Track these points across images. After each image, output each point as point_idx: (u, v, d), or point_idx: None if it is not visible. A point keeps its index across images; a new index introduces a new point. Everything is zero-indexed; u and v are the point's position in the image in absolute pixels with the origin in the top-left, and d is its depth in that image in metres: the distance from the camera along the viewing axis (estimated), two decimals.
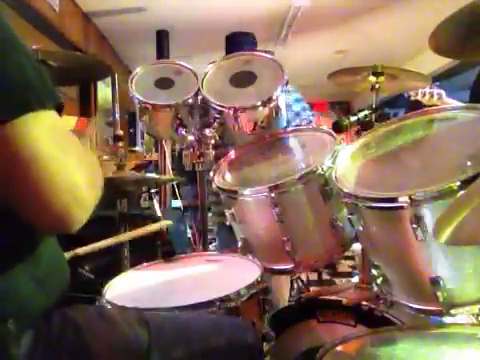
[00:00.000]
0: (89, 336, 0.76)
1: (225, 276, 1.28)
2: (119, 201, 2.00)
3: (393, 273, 1.09)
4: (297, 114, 2.35)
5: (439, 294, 0.97)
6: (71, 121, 2.41)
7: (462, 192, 0.88)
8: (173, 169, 3.98)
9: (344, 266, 3.75)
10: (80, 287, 1.14)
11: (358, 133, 1.46)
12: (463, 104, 1.58)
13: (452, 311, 1.00)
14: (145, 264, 1.41)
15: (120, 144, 1.86)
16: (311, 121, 2.29)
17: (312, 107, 2.53)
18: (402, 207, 0.96)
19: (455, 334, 1.04)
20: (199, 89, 1.67)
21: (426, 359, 0.96)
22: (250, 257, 1.31)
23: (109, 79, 4.18)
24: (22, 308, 0.71)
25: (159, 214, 1.72)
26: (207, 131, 1.66)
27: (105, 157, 2.12)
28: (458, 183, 0.89)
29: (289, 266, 1.36)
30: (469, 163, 0.93)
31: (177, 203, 3.80)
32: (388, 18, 4.83)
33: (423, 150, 1.14)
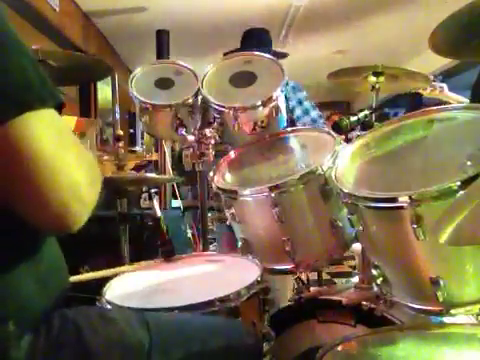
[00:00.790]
0: (90, 337, 0.75)
1: (225, 276, 1.28)
2: (119, 201, 2.00)
3: (393, 273, 1.09)
4: (314, 120, 2.40)
5: (439, 294, 0.97)
6: (71, 121, 2.41)
7: (462, 192, 0.88)
8: (173, 169, 3.98)
9: (344, 266, 3.75)
10: (80, 287, 1.14)
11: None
12: (463, 104, 1.59)
13: (452, 311, 1.00)
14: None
15: (120, 144, 1.86)
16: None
17: None
18: (402, 207, 0.96)
19: (455, 334, 1.04)
20: (199, 89, 1.67)
21: (426, 359, 0.96)
22: (250, 257, 1.31)
23: (109, 79, 4.18)
24: (23, 309, 0.71)
25: (159, 214, 1.71)
26: (207, 131, 1.66)
27: (105, 157, 2.11)
28: (458, 183, 0.89)
29: (289, 266, 1.36)
30: (469, 163, 0.93)
31: (177, 203, 3.79)
32: (388, 18, 4.84)
33: (423, 150, 1.14)
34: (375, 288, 1.23)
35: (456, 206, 0.72)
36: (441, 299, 0.97)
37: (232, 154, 1.59)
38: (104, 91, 4.96)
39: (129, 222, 2.01)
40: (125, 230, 1.97)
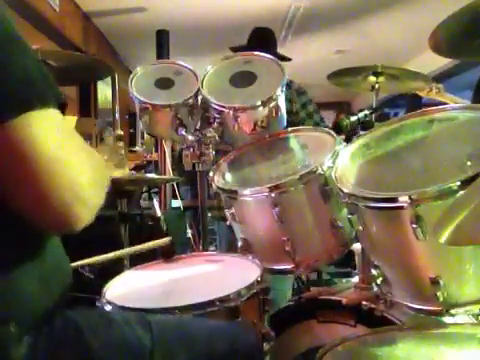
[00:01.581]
0: (91, 339, 0.75)
1: (225, 276, 1.28)
2: (119, 201, 2.00)
3: (393, 273, 1.09)
4: (316, 124, 2.42)
5: (439, 294, 0.97)
6: (71, 121, 2.41)
7: (462, 192, 0.88)
8: (173, 169, 3.98)
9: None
10: (80, 287, 1.14)
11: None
12: (463, 104, 1.59)
13: (452, 311, 1.00)
14: (145, 264, 1.41)
15: (120, 144, 1.86)
16: None
17: None
18: (402, 207, 0.96)
19: (455, 334, 1.04)
20: (199, 89, 1.67)
21: (426, 359, 0.96)
22: (250, 257, 1.31)
23: (109, 79, 4.18)
24: (24, 310, 0.71)
25: (159, 214, 1.71)
26: (207, 131, 1.66)
27: (105, 157, 2.11)
28: (458, 183, 0.89)
29: (289, 266, 1.36)
30: (469, 163, 0.93)
31: (177, 203, 3.79)
32: (388, 18, 4.84)
33: (423, 150, 1.14)
34: (375, 288, 1.23)
35: (456, 206, 0.72)
36: (441, 299, 0.97)
37: (232, 154, 1.59)
38: (104, 91, 4.96)
39: (129, 222, 2.01)
40: (125, 230, 1.97)
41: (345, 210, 1.17)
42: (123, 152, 1.77)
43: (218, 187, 1.42)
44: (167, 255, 1.42)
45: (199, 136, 1.68)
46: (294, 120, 2.37)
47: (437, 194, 0.92)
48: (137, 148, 4.81)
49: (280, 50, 2.66)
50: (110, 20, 4.74)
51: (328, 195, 1.29)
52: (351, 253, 1.45)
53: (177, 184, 3.76)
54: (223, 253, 1.60)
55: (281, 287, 2.03)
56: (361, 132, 1.50)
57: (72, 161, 0.65)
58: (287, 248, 1.31)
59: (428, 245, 0.96)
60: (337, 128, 1.51)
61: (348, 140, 1.43)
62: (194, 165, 1.73)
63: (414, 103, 5.34)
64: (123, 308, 1.05)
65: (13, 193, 0.63)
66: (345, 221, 1.23)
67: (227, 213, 1.41)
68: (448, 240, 0.67)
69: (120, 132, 1.93)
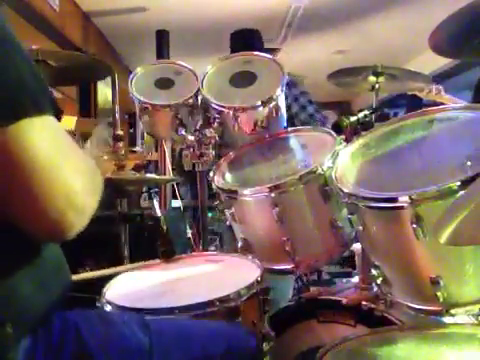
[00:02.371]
0: (90, 340, 0.75)
1: (225, 276, 1.28)
2: (119, 201, 2.00)
3: (393, 273, 1.09)
4: (311, 116, 2.37)
5: (439, 294, 0.97)
6: (71, 121, 2.41)
7: (462, 192, 0.88)
8: (173, 169, 3.98)
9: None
10: (80, 287, 1.14)
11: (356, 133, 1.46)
12: (463, 104, 1.58)
13: (452, 311, 1.00)
14: (145, 264, 1.41)
15: (120, 144, 1.86)
16: (325, 123, 2.30)
17: None
18: (402, 207, 0.96)
19: (455, 334, 1.04)
20: (199, 89, 1.67)
21: (426, 359, 0.96)
22: (250, 257, 1.31)
23: (109, 79, 4.17)
24: (22, 312, 0.71)
25: (159, 214, 1.71)
26: (207, 131, 1.66)
27: (105, 157, 2.11)
28: (458, 183, 0.89)
29: (289, 266, 1.36)
30: (469, 163, 0.93)
31: (177, 203, 3.79)
32: (388, 18, 4.84)
33: (423, 150, 1.14)
34: (375, 288, 1.23)
35: (456, 206, 0.72)
36: (441, 299, 0.97)
37: (232, 154, 1.59)
38: (104, 91, 4.96)
39: (129, 222, 2.01)
40: (125, 230, 1.97)
41: (345, 210, 1.17)
42: (123, 152, 1.77)
43: (218, 187, 1.42)
44: (167, 255, 1.42)
45: (199, 136, 1.68)
46: (289, 114, 2.35)
47: (437, 194, 0.92)
48: (137, 148, 4.80)
49: (280, 50, 2.65)
50: (110, 20, 4.74)
51: (328, 195, 1.29)
52: (351, 253, 1.46)
53: (177, 184, 3.75)
54: (223, 253, 1.60)
55: (281, 287, 2.03)
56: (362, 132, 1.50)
57: (66, 168, 0.64)
58: (287, 248, 1.31)
59: (428, 245, 0.96)
60: (337, 128, 1.51)
61: (348, 140, 1.43)
62: (194, 165, 1.73)
63: (414, 103, 5.33)
64: (123, 308, 1.05)
65: (5, 200, 0.62)
66: (345, 221, 1.23)
67: (227, 213, 1.41)
68: (448, 240, 0.67)
69: (120, 132, 1.93)
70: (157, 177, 2.76)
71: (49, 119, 0.64)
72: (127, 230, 1.98)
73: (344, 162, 1.19)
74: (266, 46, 2.66)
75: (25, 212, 0.63)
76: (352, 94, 8.29)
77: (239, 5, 4.45)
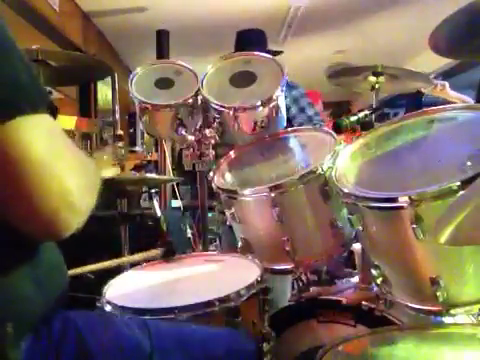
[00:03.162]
0: (91, 341, 0.75)
1: (225, 276, 1.28)
2: (119, 201, 2.00)
3: (393, 273, 1.09)
4: (309, 118, 2.36)
5: (439, 294, 0.97)
6: (71, 121, 2.41)
7: (462, 192, 0.88)
8: (173, 169, 3.98)
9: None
10: (80, 287, 1.14)
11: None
12: (463, 104, 1.58)
13: (452, 311, 1.00)
14: (145, 264, 1.41)
15: (120, 144, 1.86)
16: (322, 125, 2.29)
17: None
18: (402, 207, 0.96)
19: (455, 334, 1.04)
20: (199, 89, 1.67)
21: (426, 359, 0.96)
22: (250, 257, 1.31)
23: (109, 79, 4.17)
24: (21, 311, 0.71)
25: (159, 214, 1.71)
26: (207, 131, 1.66)
27: (105, 157, 2.11)
28: (458, 183, 0.89)
29: (289, 266, 1.36)
30: (469, 163, 0.93)
31: (177, 203, 3.79)
32: (388, 18, 4.83)
33: (423, 150, 1.14)
34: (375, 288, 1.23)
35: (456, 206, 0.72)
36: (441, 299, 0.97)
37: (232, 154, 1.59)
38: (104, 91, 4.96)
39: (129, 222, 2.01)
40: (125, 230, 1.97)
41: (345, 210, 1.18)
42: (123, 152, 1.77)
43: (218, 187, 1.42)
44: (167, 255, 1.42)
45: (199, 136, 1.68)
46: (287, 116, 2.35)
47: (437, 194, 0.92)
48: (137, 148, 4.80)
49: (276, 48, 2.65)
50: (110, 20, 4.74)
51: (328, 195, 1.29)
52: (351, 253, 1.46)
53: (177, 184, 3.76)
54: (223, 253, 1.60)
55: (281, 287, 2.03)
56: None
57: (61, 168, 0.64)
58: (287, 248, 1.31)
59: (428, 245, 0.96)
60: (337, 128, 1.51)
61: (336, 130, 1.43)
62: (194, 165, 1.73)
63: (414, 103, 5.34)
64: (123, 308, 1.05)
65: (0, 199, 0.62)
66: (345, 221, 1.23)
67: (227, 213, 1.41)
68: (448, 240, 0.67)
69: (120, 132, 1.93)
70: (157, 177, 2.75)
71: (44, 117, 0.64)
72: (127, 230, 1.98)
73: (344, 162, 1.19)
74: (269, 47, 2.66)
75: (19, 210, 0.63)
76: (352, 94, 8.29)
77: (239, 5, 4.45)
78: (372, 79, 1.84)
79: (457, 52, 1.49)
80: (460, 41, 1.37)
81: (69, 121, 2.24)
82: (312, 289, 1.58)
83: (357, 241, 1.33)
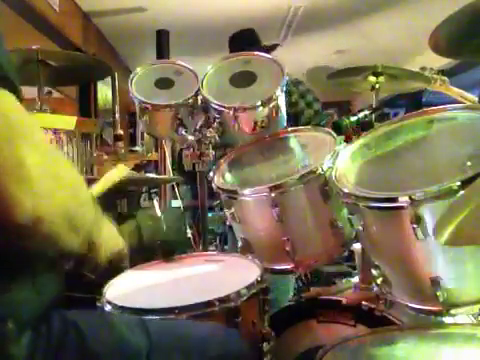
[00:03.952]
0: (90, 340, 0.76)
1: (225, 276, 1.28)
2: (119, 201, 2.00)
3: (393, 273, 1.09)
4: (316, 112, 2.39)
5: (439, 294, 0.97)
6: (71, 121, 2.41)
7: (462, 192, 0.88)
8: (173, 169, 3.98)
9: (343, 266, 3.74)
10: (80, 287, 1.14)
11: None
12: (463, 104, 1.58)
13: (452, 311, 1.00)
14: (145, 264, 1.41)
15: (120, 144, 1.86)
16: (328, 119, 2.31)
17: None
18: (402, 207, 0.96)
19: (455, 334, 1.04)
20: (199, 89, 1.67)
21: (426, 359, 0.96)
22: (250, 257, 1.31)
23: (109, 79, 4.18)
24: (21, 308, 0.71)
25: (159, 214, 1.71)
26: (207, 131, 1.66)
27: (105, 157, 2.11)
28: (458, 183, 0.89)
29: (289, 266, 1.36)
30: (469, 163, 0.93)
31: (177, 203, 3.80)
32: (388, 18, 4.84)
33: (423, 150, 1.14)
34: (375, 288, 1.23)
35: (456, 206, 0.72)
36: (441, 299, 0.97)
37: (232, 154, 1.59)
38: (104, 91, 4.96)
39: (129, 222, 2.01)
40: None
41: (345, 210, 1.17)
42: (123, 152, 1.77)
43: (218, 187, 1.42)
44: (167, 255, 1.42)
45: (199, 136, 1.68)
46: (295, 111, 2.35)
47: (437, 194, 0.92)
48: (137, 148, 4.81)
49: (280, 50, 2.66)
50: (110, 20, 4.74)
51: (328, 195, 1.29)
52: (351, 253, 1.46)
53: (177, 184, 3.76)
54: (223, 253, 1.60)
55: (281, 287, 2.03)
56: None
57: (17, 141, 0.59)
58: (287, 248, 1.31)
59: (428, 245, 0.96)
60: (337, 128, 1.51)
61: (337, 130, 1.43)
62: (194, 165, 1.73)
63: (414, 103, 5.34)
64: (123, 308, 1.05)
65: None
66: (345, 221, 1.23)
67: (227, 213, 1.41)
68: (448, 240, 0.67)
69: (120, 131, 1.93)
70: (157, 177, 2.76)
71: (4, 94, 0.61)
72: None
73: (344, 162, 1.19)
74: (264, 43, 2.67)
75: None
76: (352, 94, 8.29)
77: (239, 5, 4.45)
78: (372, 79, 1.85)
79: (457, 52, 1.49)
80: (460, 41, 1.37)
81: (69, 121, 2.24)
82: (312, 289, 1.58)
83: (357, 241, 1.33)
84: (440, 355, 0.97)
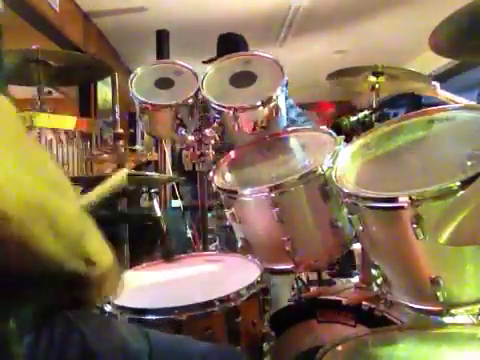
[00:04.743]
0: (92, 342, 0.76)
1: (225, 276, 1.28)
2: (119, 201, 2.00)
3: (393, 273, 1.09)
4: (292, 121, 2.35)
5: (439, 294, 0.97)
6: (71, 121, 2.41)
7: (462, 192, 0.88)
8: (173, 169, 3.98)
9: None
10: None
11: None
12: (463, 104, 1.58)
13: (452, 311, 1.00)
14: (145, 264, 1.41)
15: (120, 143, 1.86)
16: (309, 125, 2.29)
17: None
18: (402, 207, 0.96)
19: (455, 334, 1.04)
20: (199, 89, 1.67)
21: (426, 359, 0.96)
22: (250, 257, 1.31)
23: (109, 79, 4.17)
24: (23, 308, 0.71)
25: (159, 214, 1.72)
26: (207, 131, 1.66)
27: (105, 156, 2.11)
28: (458, 183, 0.89)
29: (289, 266, 1.36)
30: (469, 163, 0.93)
31: (177, 203, 3.80)
32: (388, 18, 4.83)
33: (423, 150, 1.14)
34: (375, 288, 1.23)
35: (456, 206, 0.72)
36: (441, 299, 0.97)
37: (232, 154, 1.59)
38: (104, 91, 4.96)
39: (129, 222, 2.01)
40: (125, 230, 1.97)
41: (345, 210, 1.17)
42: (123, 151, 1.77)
43: (218, 187, 1.42)
44: (167, 255, 1.42)
45: (199, 136, 1.68)
46: None
47: (437, 194, 0.92)
48: (137, 147, 4.80)
49: (280, 50, 2.66)
50: (110, 20, 4.74)
51: (328, 195, 1.29)
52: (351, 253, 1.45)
53: (177, 184, 3.76)
54: (223, 253, 1.60)
55: (281, 287, 2.03)
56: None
57: None
58: (287, 248, 1.31)
59: (428, 245, 0.96)
60: (337, 128, 1.51)
61: (348, 140, 1.43)
62: (194, 165, 1.74)
63: (414, 103, 5.34)
64: (123, 308, 1.05)
65: None
66: (345, 221, 1.23)
67: (227, 213, 1.41)
68: (448, 240, 0.67)
69: (120, 130, 1.92)
70: (157, 177, 2.75)
71: None
72: (127, 230, 1.98)
73: (344, 162, 1.19)
74: (266, 46, 2.67)
75: None
76: (352, 94, 8.29)
77: (239, 5, 4.44)
78: (372, 79, 1.84)
79: (457, 52, 1.49)
80: (460, 41, 1.37)
81: (69, 121, 2.24)
82: (312, 289, 1.58)
83: (357, 241, 1.33)
84: (440, 355, 0.97)
